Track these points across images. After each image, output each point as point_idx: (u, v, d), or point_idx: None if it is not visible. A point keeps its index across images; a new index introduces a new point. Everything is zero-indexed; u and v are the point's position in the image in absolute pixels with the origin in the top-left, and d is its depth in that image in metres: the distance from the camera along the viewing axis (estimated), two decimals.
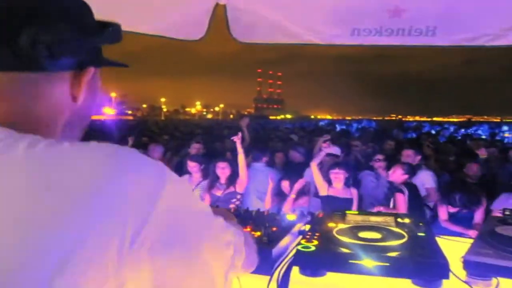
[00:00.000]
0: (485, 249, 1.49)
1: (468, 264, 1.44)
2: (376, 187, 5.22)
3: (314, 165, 4.82)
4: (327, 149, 5.22)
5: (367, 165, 5.70)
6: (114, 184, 0.61)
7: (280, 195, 4.86)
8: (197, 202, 0.79)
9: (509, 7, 2.56)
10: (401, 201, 4.35)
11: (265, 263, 1.49)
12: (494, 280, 1.42)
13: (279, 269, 1.54)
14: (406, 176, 4.58)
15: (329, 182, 4.71)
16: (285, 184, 4.78)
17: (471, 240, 1.67)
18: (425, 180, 4.98)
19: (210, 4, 2.67)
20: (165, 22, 2.66)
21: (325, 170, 4.87)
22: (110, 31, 0.78)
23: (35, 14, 0.66)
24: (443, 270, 1.39)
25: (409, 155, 5.22)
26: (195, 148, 6.30)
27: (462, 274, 1.46)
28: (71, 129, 0.79)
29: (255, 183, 5.04)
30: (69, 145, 0.64)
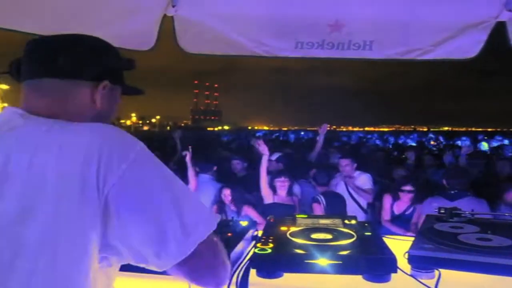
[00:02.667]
0: (426, 244, 1.62)
1: (412, 259, 1.56)
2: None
3: (264, 170, 4.91)
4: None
5: (303, 174, 5.84)
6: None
7: (221, 203, 4.85)
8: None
9: (436, 25, 2.81)
10: (317, 210, 4.62)
11: None
12: (436, 272, 1.55)
13: (236, 273, 1.58)
14: (324, 187, 4.90)
15: (274, 190, 4.81)
16: (226, 193, 4.78)
17: (411, 239, 1.80)
18: (364, 182, 5.26)
19: (158, 15, 2.69)
20: (114, 33, 2.63)
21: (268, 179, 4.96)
22: (121, 58, 1.17)
23: (65, 46, 1.09)
24: (392, 264, 1.50)
25: (347, 164, 5.44)
26: None
27: (407, 268, 1.58)
28: None
29: (206, 193, 5.00)
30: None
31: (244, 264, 1.64)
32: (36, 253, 0.87)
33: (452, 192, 4.12)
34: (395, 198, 4.66)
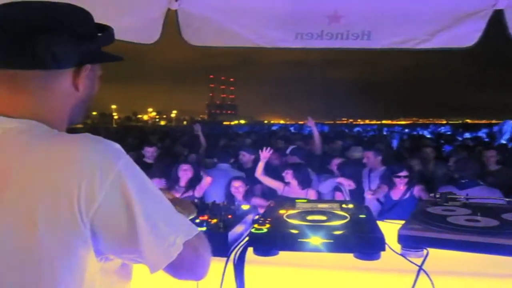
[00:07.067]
0: (416, 224, 1.68)
1: (402, 238, 1.64)
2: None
3: (259, 175, 5.01)
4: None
5: (325, 168, 5.85)
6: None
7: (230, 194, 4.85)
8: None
9: (433, 14, 2.85)
10: (339, 198, 4.72)
11: (221, 247, 1.63)
12: (424, 251, 1.62)
13: (235, 251, 1.67)
14: (351, 181, 4.92)
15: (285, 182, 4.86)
16: (235, 184, 4.76)
17: None
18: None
19: (162, 9, 2.79)
20: (119, 26, 2.73)
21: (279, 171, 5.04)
22: (102, 37, 1.04)
23: (43, 28, 0.91)
24: (380, 243, 1.58)
25: (369, 157, 5.43)
26: (148, 151, 6.32)
27: (398, 249, 1.66)
28: (77, 111, 1.06)
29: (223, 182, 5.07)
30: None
31: (243, 244, 1.73)
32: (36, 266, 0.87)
33: (463, 181, 4.16)
34: (391, 186, 4.67)
